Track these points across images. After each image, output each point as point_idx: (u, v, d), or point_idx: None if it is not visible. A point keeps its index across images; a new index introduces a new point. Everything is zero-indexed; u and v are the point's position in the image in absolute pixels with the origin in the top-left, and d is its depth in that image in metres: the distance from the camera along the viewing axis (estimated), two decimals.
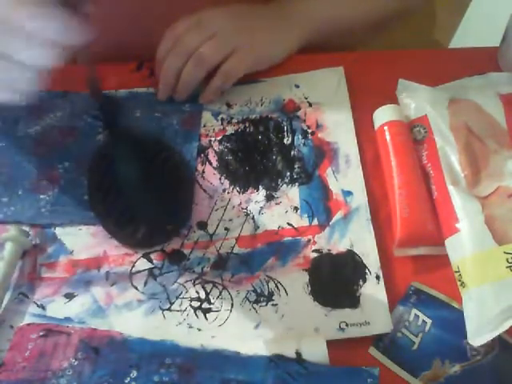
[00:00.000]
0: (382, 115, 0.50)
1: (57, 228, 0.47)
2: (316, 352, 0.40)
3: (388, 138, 0.49)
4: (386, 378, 0.40)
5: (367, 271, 0.44)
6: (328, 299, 0.43)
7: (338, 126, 0.52)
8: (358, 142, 0.51)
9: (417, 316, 0.42)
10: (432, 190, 0.47)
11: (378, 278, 0.44)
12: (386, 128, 0.49)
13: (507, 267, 0.40)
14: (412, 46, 0.59)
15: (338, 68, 0.56)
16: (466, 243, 0.43)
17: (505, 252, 0.41)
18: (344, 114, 0.53)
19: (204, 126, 0.53)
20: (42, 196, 0.49)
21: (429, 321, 0.42)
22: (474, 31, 0.85)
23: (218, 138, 0.52)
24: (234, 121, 0.54)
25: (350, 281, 0.44)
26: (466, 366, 0.40)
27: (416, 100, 0.51)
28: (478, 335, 0.40)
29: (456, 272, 0.43)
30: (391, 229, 0.46)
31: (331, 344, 0.40)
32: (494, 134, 0.48)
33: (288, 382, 0.38)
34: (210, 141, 0.52)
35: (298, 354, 0.39)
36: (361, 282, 0.44)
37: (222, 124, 0.53)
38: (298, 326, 0.42)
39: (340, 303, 0.43)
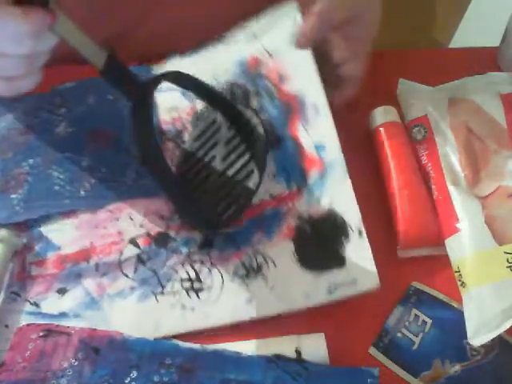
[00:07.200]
0: (378, 117, 0.50)
1: (42, 225, 0.47)
2: (316, 352, 0.40)
3: (384, 139, 0.49)
4: (386, 378, 0.40)
5: (349, 228, 0.43)
6: (315, 263, 0.43)
7: (299, 72, 0.49)
8: (357, 143, 0.50)
9: (417, 316, 0.42)
10: (432, 190, 0.47)
11: (360, 233, 0.43)
12: (381, 129, 0.49)
13: (507, 267, 0.41)
14: (412, 45, 0.59)
15: (292, 4, 0.51)
16: (466, 243, 0.43)
17: (505, 252, 0.41)
18: (303, 55, 0.49)
19: (176, 109, 0.52)
20: (13, 195, 0.48)
21: (429, 321, 0.42)
22: (474, 31, 0.85)
23: (190, 119, 0.51)
24: None
25: (333, 240, 0.43)
26: (466, 366, 0.40)
27: (416, 100, 0.51)
28: (478, 335, 0.40)
29: (456, 272, 0.43)
30: (391, 230, 0.46)
31: (331, 344, 0.40)
32: (494, 134, 0.48)
33: (288, 382, 0.38)
34: (184, 123, 0.51)
35: (298, 353, 0.39)
36: (344, 240, 0.43)
37: (191, 102, 0.51)
38: (288, 295, 0.42)
39: (327, 265, 0.42)
